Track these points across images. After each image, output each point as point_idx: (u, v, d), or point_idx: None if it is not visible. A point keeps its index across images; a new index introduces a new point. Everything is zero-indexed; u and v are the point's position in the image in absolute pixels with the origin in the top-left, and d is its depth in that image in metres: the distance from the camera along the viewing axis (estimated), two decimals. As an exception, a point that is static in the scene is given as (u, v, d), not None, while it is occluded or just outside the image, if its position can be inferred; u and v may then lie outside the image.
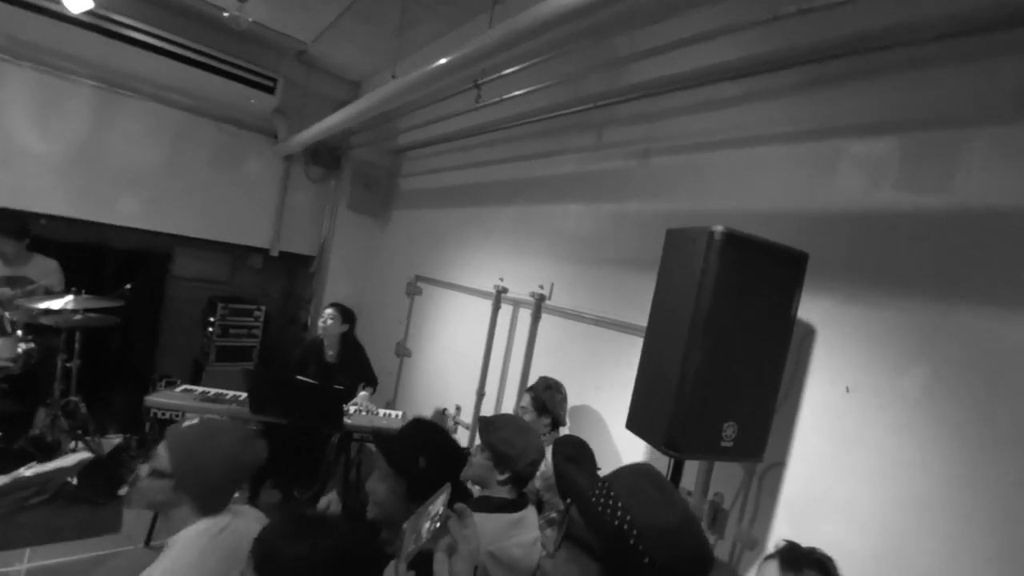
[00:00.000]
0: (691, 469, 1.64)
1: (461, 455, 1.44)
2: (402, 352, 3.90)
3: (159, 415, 2.60)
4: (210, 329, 4.08)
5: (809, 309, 1.50)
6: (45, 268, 3.38)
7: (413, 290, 3.85)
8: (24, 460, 1.61)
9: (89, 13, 2.84)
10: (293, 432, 2.64)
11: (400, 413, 3.00)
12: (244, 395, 2.80)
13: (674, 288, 1.41)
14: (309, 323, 4.45)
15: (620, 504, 0.72)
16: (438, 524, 0.71)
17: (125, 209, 3.73)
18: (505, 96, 2.46)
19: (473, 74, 2.30)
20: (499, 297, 2.92)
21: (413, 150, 4.13)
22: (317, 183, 4.44)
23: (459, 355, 3.27)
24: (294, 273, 4.86)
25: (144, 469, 1.23)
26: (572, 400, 2.20)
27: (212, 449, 1.21)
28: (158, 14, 3.26)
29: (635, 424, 1.48)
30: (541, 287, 2.63)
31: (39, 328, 3.13)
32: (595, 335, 2.31)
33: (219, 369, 4.02)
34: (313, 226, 4.51)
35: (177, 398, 2.70)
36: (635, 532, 0.70)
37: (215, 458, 1.20)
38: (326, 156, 4.28)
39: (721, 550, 1.66)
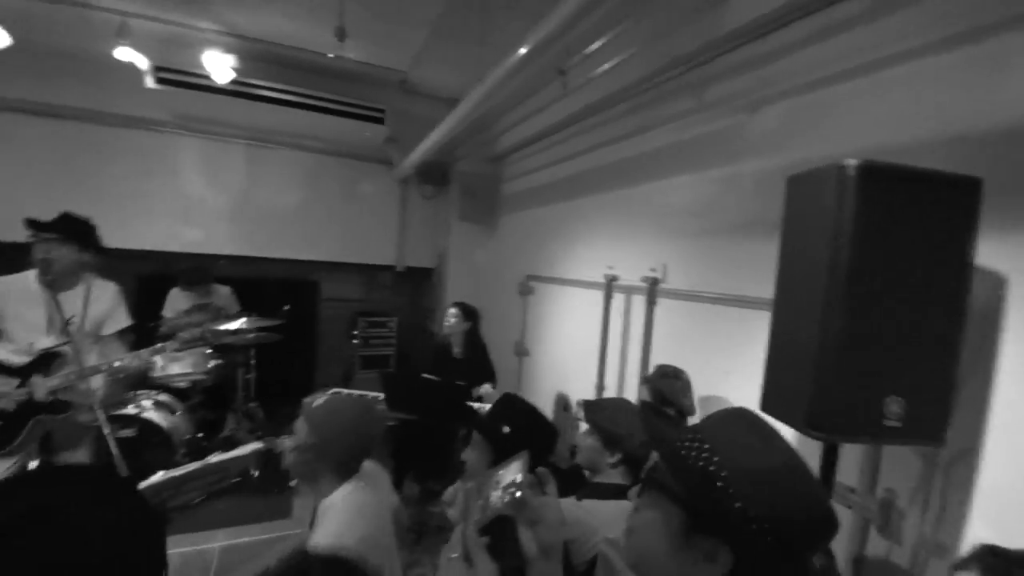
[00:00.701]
0: (850, 460, 1.38)
1: (548, 425, 1.44)
2: (521, 351, 3.95)
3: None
4: (354, 341, 4.55)
5: (996, 251, 1.18)
6: (223, 295, 4.07)
7: (525, 290, 3.88)
8: (215, 455, 1.94)
9: (233, 82, 3.37)
10: (425, 427, 2.81)
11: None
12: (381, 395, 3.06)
13: (803, 243, 1.20)
14: (436, 329, 4.74)
15: (707, 446, 0.64)
16: (516, 493, 0.66)
17: (276, 243, 4.35)
18: (593, 74, 2.36)
19: (558, 59, 2.25)
20: (610, 286, 2.80)
21: (511, 154, 4.19)
22: (430, 200, 4.73)
23: (576, 350, 3.20)
24: (419, 285, 5.22)
25: (288, 443, 1.40)
26: (700, 389, 2.01)
27: (340, 420, 1.36)
28: (281, 72, 3.75)
29: (771, 405, 1.28)
30: (653, 270, 2.46)
31: (223, 347, 3.79)
32: (717, 314, 2.09)
33: (364, 376, 4.46)
34: (431, 240, 4.81)
35: (328, 401, 3.05)
36: (723, 474, 0.61)
37: (345, 427, 1.34)
38: (435, 174, 4.54)
39: (899, 557, 1.36)
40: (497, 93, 2.53)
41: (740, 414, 0.70)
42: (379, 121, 3.84)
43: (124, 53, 3.10)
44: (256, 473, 3.28)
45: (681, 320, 2.32)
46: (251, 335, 3.69)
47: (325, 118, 3.80)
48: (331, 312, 4.93)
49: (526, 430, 1.40)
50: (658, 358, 2.39)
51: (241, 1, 3.01)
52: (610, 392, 2.82)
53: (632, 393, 2.60)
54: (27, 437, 2.35)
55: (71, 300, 2.45)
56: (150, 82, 3.34)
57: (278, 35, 3.39)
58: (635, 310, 2.64)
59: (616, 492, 1.34)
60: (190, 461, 2.41)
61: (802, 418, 1.13)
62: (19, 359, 2.34)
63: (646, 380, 2.05)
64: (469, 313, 3.30)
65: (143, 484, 2.03)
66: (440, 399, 2.75)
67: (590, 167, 3.11)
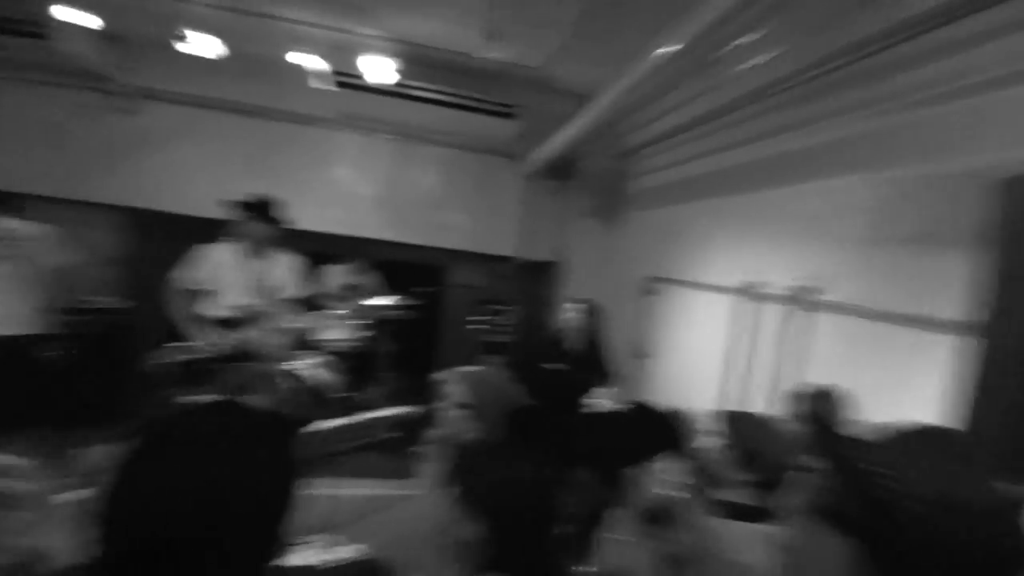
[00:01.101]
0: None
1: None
2: (640, 354, 3.88)
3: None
4: (475, 326, 4.82)
5: None
6: (372, 277, 4.56)
7: (649, 290, 3.79)
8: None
9: (395, 84, 3.72)
10: (543, 414, 2.89)
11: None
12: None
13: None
14: (551, 323, 4.83)
15: (894, 474, 0.58)
16: (682, 492, 0.68)
17: (412, 230, 4.74)
18: (745, 65, 2.22)
19: (706, 51, 2.15)
20: (749, 294, 2.64)
21: (642, 149, 4.09)
22: (554, 195, 4.81)
23: (703, 359, 3.07)
24: (538, 278, 5.34)
25: (447, 403, 1.57)
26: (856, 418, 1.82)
27: (494, 385, 1.55)
28: (429, 73, 4.04)
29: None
30: (803, 279, 2.27)
31: (374, 322, 4.27)
32: (881, 334, 1.86)
33: (483, 361, 4.70)
34: (552, 235, 4.89)
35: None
36: (910, 506, 0.55)
37: (498, 393, 1.52)
38: (561, 169, 4.60)
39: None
40: (637, 89, 2.49)
41: (932, 433, 0.64)
42: (510, 117, 3.98)
43: (301, 58, 3.58)
44: (398, 434, 3.64)
45: (834, 337, 2.12)
46: (395, 311, 4.12)
47: (462, 115, 4.04)
48: (455, 297, 5.26)
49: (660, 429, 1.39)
50: (806, 377, 2.20)
51: (404, 9, 3.30)
52: (731, 405, 2.67)
53: (757, 407, 2.43)
54: (225, 379, 2.87)
55: (263, 268, 2.97)
56: (326, 84, 3.80)
57: (431, 38, 3.67)
58: (778, 322, 2.45)
59: (746, 513, 1.28)
60: (340, 417, 2.77)
61: None
62: (225, 315, 2.88)
63: (795, 398, 1.90)
64: (588, 309, 3.32)
65: (307, 429, 2.38)
66: (557, 391, 2.82)
67: (731, 164, 2.93)
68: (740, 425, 1.41)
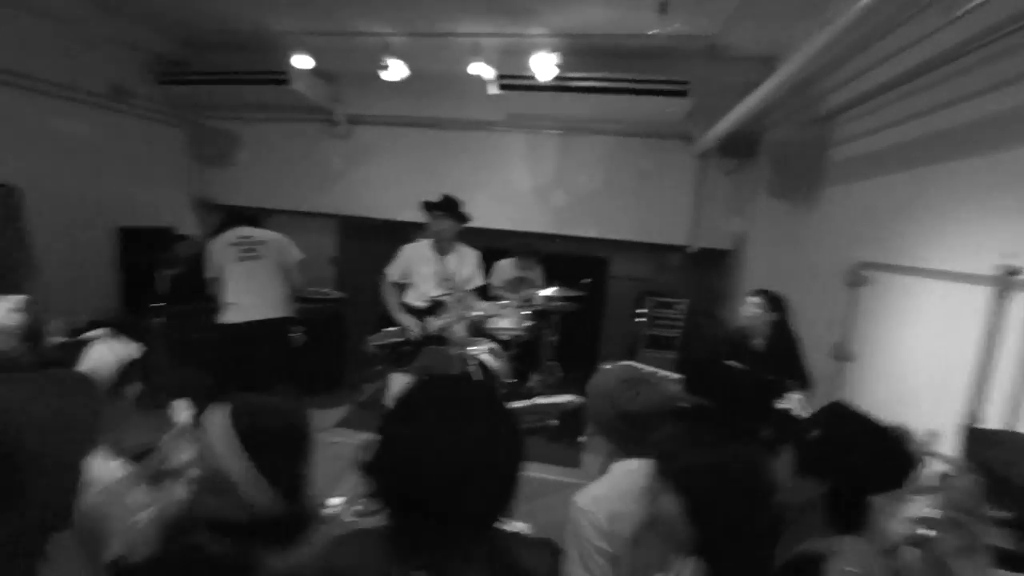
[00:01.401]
0: None
1: (900, 453, 1.15)
2: (842, 355, 3.29)
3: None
4: (640, 319, 4.65)
5: None
6: (537, 271, 4.74)
7: (856, 280, 3.18)
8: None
9: (555, 78, 3.77)
10: (721, 419, 2.67)
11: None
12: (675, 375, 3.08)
13: None
14: (727, 317, 4.41)
15: None
16: (934, 533, 0.55)
17: (575, 222, 4.76)
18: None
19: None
20: (1007, 282, 2.03)
21: (842, 113, 3.43)
22: (731, 175, 4.35)
23: (932, 362, 2.47)
24: (712, 269, 4.93)
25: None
26: None
27: (597, 385, 1.45)
28: (591, 61, 3.98)
29: None
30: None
31: (536, 311, 4.44)
32: None
33: (648, 355, 4.52)
34: (729, 220, 4.45)
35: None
36: None
37: (599, 392, 1.42)
38: (740, 145, 4.14)
39: None
40: (839, 43, 2.09)
41: None
42: (682, 95, 3.71)
43: (476, 68, 3.85)
44: (557, 422, 3.76)
45: None
46: (558, 303, 4.23)
47: (628, 100, 3.89)
48: (618, 289, 5.15)
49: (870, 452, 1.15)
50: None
51: (567, 3, 3.31)
52: (973, 422, 2.08)
53: (1007, 424, 1.85)
54: (423, 362, 3.27)
55: (449, 262, 3.33)
56: (494, 89, 4.04)
57: (595, 25, 3.62)
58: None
59: (1007, 560, 0.98)
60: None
61: None
62: (421, 304, 3.29)
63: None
64: (776, 302, 2.95)
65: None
66: (745, 392, 2.55)
67: (967, 120, 2.28)
68: (987, 446, 1.09)
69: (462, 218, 3.27)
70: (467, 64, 3.84)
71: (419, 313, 3.26)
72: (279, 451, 1.09)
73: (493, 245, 4.68)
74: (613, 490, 1.29)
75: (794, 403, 2.65)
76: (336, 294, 4.81)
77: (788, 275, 4.09)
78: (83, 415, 1.12)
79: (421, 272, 3.31)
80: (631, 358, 4.66)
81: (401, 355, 3.20)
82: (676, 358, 4.30)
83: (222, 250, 3.32)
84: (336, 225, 5.44)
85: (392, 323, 3.32)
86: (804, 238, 3.98)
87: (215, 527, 1.00)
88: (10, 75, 3.54)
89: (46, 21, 3.68)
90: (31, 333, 1.42)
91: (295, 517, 1.06)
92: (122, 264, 4.43)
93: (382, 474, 0.81)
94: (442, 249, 3.20)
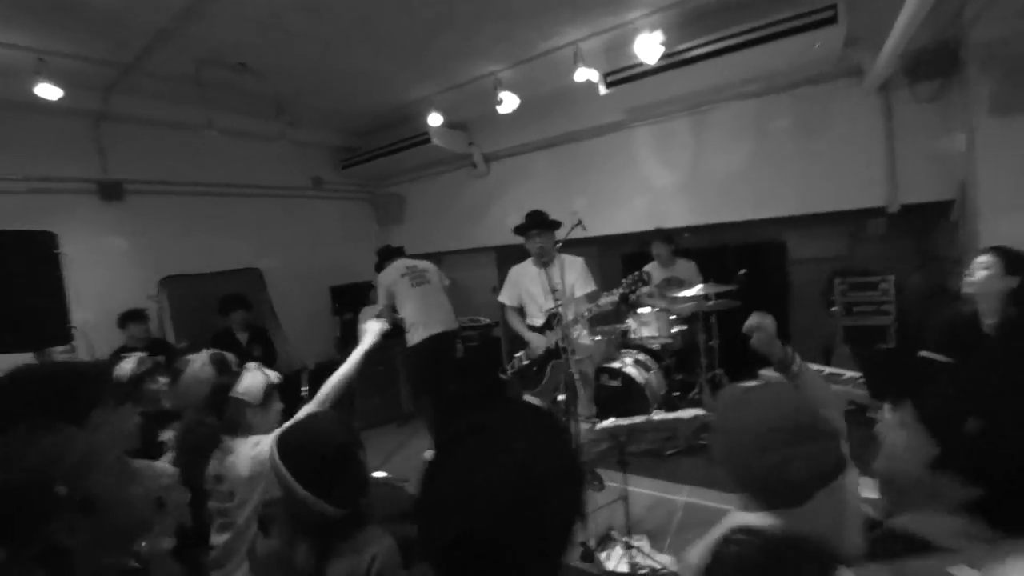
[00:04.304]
0: None
1: None
2: None
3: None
4: (832, 309, 3.76)
5: None
6: (687, 269, 4.30)
7: None
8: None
9: (664, 56, 3.45)
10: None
11: None
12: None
13: None
14: (956, 292, 3.26)
15: None
16: None
17: (731, 206, 4.15)
18: None
19: None
20: None
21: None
22: (932, 102, 3.27)
23: None
24: (929, 228, 3.73)
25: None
26: None
27: (740, 419, 0.98)
28: (705, 23, 3.49)
29: None
30: None
31: (689, 317, 4.00)
32: None
33: (848, 352, 3.60)
34: (941, 160, 3.33)
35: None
36: None
37: (743, 428, 0.96)
38: (934, 61, 3.10)
39: None
40: None
41: None
42: (830, 21, 2.98)
43: (581, 74, 3.77)
44: (702, 439, 3.28)
45: None
46: (707, 303, 3.73)
47: (759, 51, 3.30)
48: (802, 275, 4.28)
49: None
50: None
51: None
52: None
53: None
54: (550, 380, 3.24)
55: (553, 273, 3.26)
56: (603, 89, 3.89)
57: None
58: None
59: None
60: (654, 413, 2.66)
61: None
62: (540, 320, 3.29)
63: None
64: (1016, 263, 2.09)
65: (603, 424, 2.38)
66: (952, 388, 1.84)
67: None
68: None
69: (553, 226, 3.19)
70: (573, 73, 3.79)
71: (539, 331, 3.25)
72: (324, 467, 1.25)
73: (644, 250, 4.40)
74: None
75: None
76: (486, 320, 5.12)
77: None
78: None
79: (530, 291, 3.32)
80: (827, 357, 3.78)
81: (531, 378, 3.21)
82: (860, 355, 3.31)
83: (396, 281, 3.95)
84: (494, 256, 5.84)
85: (522, 345, 3.38)
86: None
87: (297, 527, 1.28)
88: (244, 187, 4.87)
89: (259, 143, 4.94)
90: (219, 387, 1.83)
91: (352, 519, 1.28)
92: (335, 314, 5.51)
93: (422, 518, 0.74)
94: (544, 263, 3.15)
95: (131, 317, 3.76)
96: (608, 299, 2.91)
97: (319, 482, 1.23)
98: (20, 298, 2.44)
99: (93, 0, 2.70)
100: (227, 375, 1.86)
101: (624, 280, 2.88)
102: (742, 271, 3.75)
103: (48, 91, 3.18)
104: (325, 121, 5.22)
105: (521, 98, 4.07)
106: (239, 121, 4.56)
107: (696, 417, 2.26)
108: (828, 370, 2.76)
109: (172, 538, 1.61)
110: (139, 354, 2.23)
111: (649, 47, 3.38)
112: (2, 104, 3.06)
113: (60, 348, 2.57)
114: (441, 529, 0.69)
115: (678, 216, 4.35)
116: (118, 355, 3.51)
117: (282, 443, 1.29)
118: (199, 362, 1.97)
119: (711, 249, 4.69)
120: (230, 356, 2.03)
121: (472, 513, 0.67)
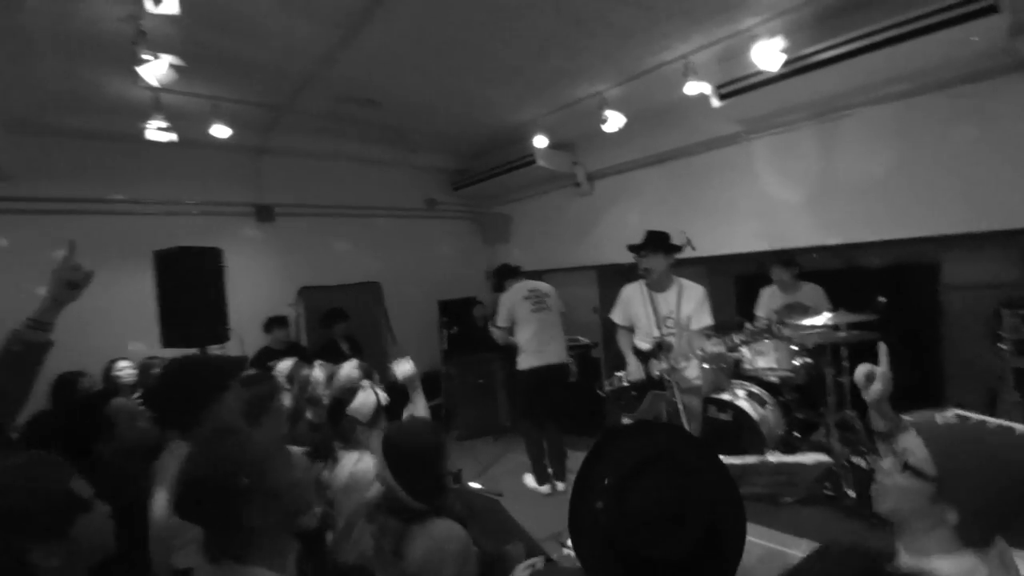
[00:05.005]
0: None
1: None
2: None
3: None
4: (999, 345, 3.14)
5: None
6: (813, 294, 3.87)
7: None
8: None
9: (785, 63, 3.20)
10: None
11: None
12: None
13: None
14: None
15: None
16: None
17: (868, 224, 3.67)
18: None
19: None
20: None
21: None
22: None
23: None
24: None
25: (889, 461, 1.04)
26: None
27: (980, 454, 0.92)
28: (831, 24, 3.17)
29: None
30: None
31: (814, 348, 3.58)
32: None
33: (1019, 399, 2.98)
34: None
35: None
36: None
37: (987, 466, 0.90)
38: None
39: None
40: None
41: None
42: (991, 10, 2.55)
43: (692, 87, 3.63)
44: (827, 489, 2.87)
45: None
46: (841, 334, 3.29)
47: (907, 49, 2.91)
48: (959, 304, 3.63)
49: None
50: None
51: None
52: None
53: None
54: (647, 407, 3.10)
55: (667, 299, 3.09)
56: (716, 102, 3.71)
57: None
58: None
59: None
60: (771, 455, 2.44)
61: None
62: (646, 346, 3.15)
63: None
64: None
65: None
66: None
67: None
68: None
69: (671, 250, 3.01)
70: (682, 87, 3.67)
71: (644, 355, 3.10)
72: (412, 465, 1.39)
73: (762, 271, 4.07)
74: None
75: None
76: (585, 340, 5.05)
77: None
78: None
79: (638, 313, 3.18)
80: (992, 404, 3.14)
81: (628, 400, 3.09)
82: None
83: (518, 303, 4.00)
84: (596, 275, 5.77)
85: (625, 367, 3.27)
86: None
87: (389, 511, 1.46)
88: (369, 208, 5.43)
89: (382, 168, 5.48)
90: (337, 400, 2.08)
91: (432, 510, 1.44)
92: (442, 327, 5.82)
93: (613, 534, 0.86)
94: (656, 286, 3.01)
95: (276, 323, 4.32)
96: (716, 349, 2.70)
97: (405, 475, 1.41)
98: (191, 303, 2.93)
99: (254, 54, 3.23)
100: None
101: (748, 327, 2.65)
102: (881, 299, 3.27)
103: (220, 131, 3.82)
104: (438, 145, 5.60)
105: (627, 114, 4.01)
106: (366, 149, 5.13)
107: (819, 463, 2.00)
108: (993, 422, 2.28)
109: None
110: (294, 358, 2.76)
111: (769, 54, 3.16)
112: (184, 143, 3.72)
113: (216, 346, 3.01)
114: (642, 548, 0.79)
115: (801, 235, 3.96)
116: (263, 354, 4.03)
117: (386, 436, 1.49)
118: (349, 365, 2.26)
119: (842, 271, 4.18)
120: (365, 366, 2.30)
121: (673, 539, 0.78)
